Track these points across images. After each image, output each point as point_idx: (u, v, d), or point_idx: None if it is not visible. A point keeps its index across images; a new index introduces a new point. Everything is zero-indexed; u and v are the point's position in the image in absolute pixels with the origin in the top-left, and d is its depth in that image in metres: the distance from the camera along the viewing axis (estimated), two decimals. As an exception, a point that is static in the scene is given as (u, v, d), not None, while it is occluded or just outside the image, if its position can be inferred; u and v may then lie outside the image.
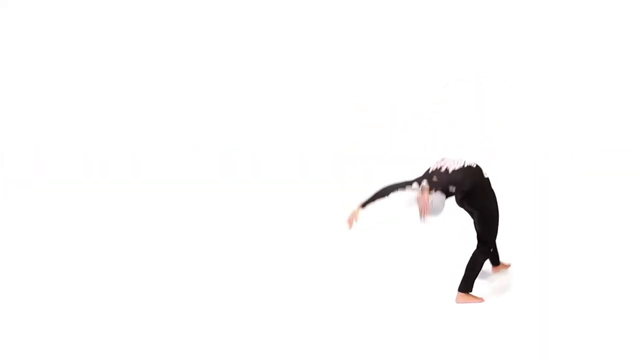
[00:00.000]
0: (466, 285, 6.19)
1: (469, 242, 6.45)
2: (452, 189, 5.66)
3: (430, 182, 5.65)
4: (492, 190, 6.00)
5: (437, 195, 5.61)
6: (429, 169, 5.83)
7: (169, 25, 8.19)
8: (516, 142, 7.77)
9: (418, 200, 5.60)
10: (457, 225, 7.63)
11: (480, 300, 6.27)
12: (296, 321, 5.92)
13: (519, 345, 5.24)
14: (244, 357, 5.04)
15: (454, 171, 5.70)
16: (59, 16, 8.10)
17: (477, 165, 5.83)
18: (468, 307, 6.23)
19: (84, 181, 8.03)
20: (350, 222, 5.84)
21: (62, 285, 7.10)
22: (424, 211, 5.59)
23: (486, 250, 6.19)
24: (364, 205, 5.84)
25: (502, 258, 6.60)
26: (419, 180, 5.76)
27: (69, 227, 7.89)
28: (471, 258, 6.22)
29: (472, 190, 5.80)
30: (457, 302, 6.18)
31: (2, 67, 8.08)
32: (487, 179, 5.93)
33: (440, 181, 5.64)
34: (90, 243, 7.82)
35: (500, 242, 7.51)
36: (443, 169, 5.73)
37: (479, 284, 6.76)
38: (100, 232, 7.89)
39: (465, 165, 5.74)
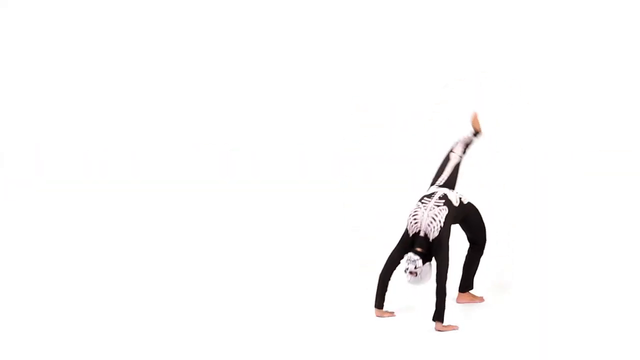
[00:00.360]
0: (467, 284, 6.21)
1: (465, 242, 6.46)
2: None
3: (418, 253, 5.69)
4: (468, 205, 6.04)
5: (425, 267, 5.70)
6: (406, 231, 5.84)
7: (169, 25, 8.18)
8: (516, 142, 7.76)
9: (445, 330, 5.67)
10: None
11: (481, 299, 6.28)
12: (296, 322, 5.92)
13: (519, 345, 5.24)
14: (243, 357, 5.04)
15: (433, 239, 5.71)
16: (59, 16, 8.10)
17: (448, 208, 5.81)
18: (467, 307, 6.23)
19: (84, 181, 8.03)
20: (385, 315, 5.97)
21: (62, 285, 7.10)
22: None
23: (480, 249, 6.23)
24: (378, 305, 5.96)
25: (497, 265, 6.70)
26: (405, 250, 5.81)
27: (69, 227, 7.89)
28: (468, 258, 6.24)
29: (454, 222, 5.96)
30: (458, 302, 6.19)
31: (2, 67, 8.08)
32: (460, 202, 5.95)
33: (425, 248, 5.71)
34: (91, 243, 7.82)
35: (501, 241, 7.51)
36: (422, 233, 5.75)
37: (477, 285, 6.75)
38: (100, 232, 7.89)
39: (442, 225, 5.73)
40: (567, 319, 5.91)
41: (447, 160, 6.20)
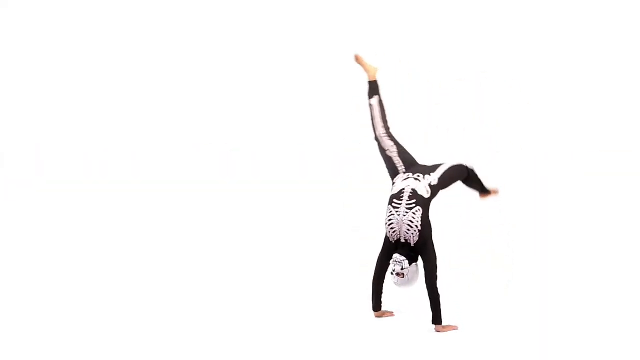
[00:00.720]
0: (482, 191, 6.19)
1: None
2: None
3: (405, 255, 5.61)
4: (439, 184, 5.80)
5: (412, 267, 5.63)
6: (387, 237, 5.75)
7: (169, 25, 8.18)
8: (516, 142, 7.76)
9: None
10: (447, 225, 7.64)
11: (496, 192, 6.26)
12: (296, 321, 5.92)
13: (519, 345, 5.24)
14: (243, 357, 5.04)
15: (414, 243, 5.62)
16: (59, 16, 8.09)
17: (421, 208, 5.64)
18: (467, 307, 6.23)
19: (84, 181, 8.03)
20: (384, 315, 5.99)
21: (62, 285, 7.10)
22: None
23: (471, 176, 6.07)
24: (375, 309, 5.96)
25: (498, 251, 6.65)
26: (390, 253, 5.72)
27: (69, 227, 7.89)
28: (466, 185, 6.14)
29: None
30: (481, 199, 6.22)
31: (2, 67, 8.08)
32: (430, 190, 5.75)
33: (410, 251, 5.62)
34: (90, 243, 7.82)
35: (501, 241, 7.51)
36: (402, 240, 5.65)
37: (474, 283, 6.76)
38: (100, 232, 7.89)
39: (420, 228, 5.60)
40: (567, 318, 5.91)
41: (388, 157, 6.01)
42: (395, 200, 5.71)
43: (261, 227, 8.01)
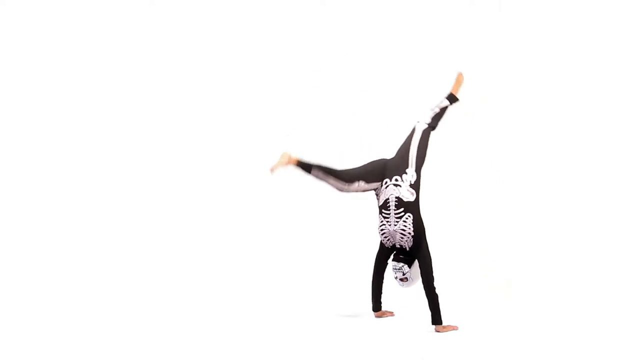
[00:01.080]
0: (450, 99, 6.07)
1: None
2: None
3: (400, 260, 5.68)
4: (418, 178, 5.77)
5: (412, 269, 5.69)
6: (383, 244, 5.82)
7: (168, 26, 8.17)
8: (514, 142, 7.77)
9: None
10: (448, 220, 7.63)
11: (460, 76, 6.17)
12: (296, 322, 5.93)
13: (519, 346, 5.25)
14: (243, 357, 5.05)
15: (410, 248, 5.66)
16: (58, 16, 8.08)
17: (411, 213, 5.63)
18: (467, 307, 6.23)
19: (84, 181, 8.02)
20: (384, 315, 6.03)
21: (62, 285, 7.11)
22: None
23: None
24: (375, 309, 6.03)
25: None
26: (387, 256, 5.83)
27: (68, 227, 7.89)
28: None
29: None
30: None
31: (1, 67, 8.06)
32: (414, 191, 5.72)
33: (406, 255, 5.68)
34: (90, 243, 7.82)
35: (499, 241, 7.51)
36: (397, 245, 5.71)
37: (471, 283, 6.75)
38: (99, 232, 7.89)
39: (413, 233, 5.63)
40: (567, 318, 5.92)
41: (363, 189, 5.89)
42: (383, 211, 5.77)
43: (261, 227, 8.01)
